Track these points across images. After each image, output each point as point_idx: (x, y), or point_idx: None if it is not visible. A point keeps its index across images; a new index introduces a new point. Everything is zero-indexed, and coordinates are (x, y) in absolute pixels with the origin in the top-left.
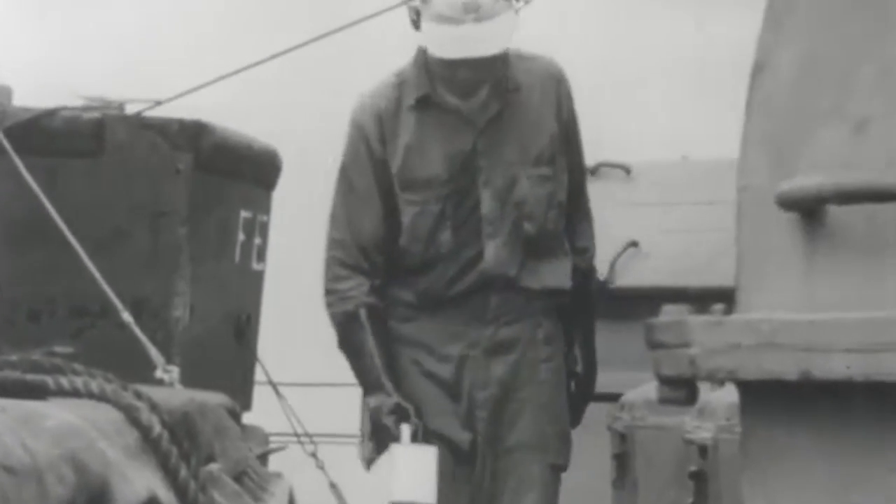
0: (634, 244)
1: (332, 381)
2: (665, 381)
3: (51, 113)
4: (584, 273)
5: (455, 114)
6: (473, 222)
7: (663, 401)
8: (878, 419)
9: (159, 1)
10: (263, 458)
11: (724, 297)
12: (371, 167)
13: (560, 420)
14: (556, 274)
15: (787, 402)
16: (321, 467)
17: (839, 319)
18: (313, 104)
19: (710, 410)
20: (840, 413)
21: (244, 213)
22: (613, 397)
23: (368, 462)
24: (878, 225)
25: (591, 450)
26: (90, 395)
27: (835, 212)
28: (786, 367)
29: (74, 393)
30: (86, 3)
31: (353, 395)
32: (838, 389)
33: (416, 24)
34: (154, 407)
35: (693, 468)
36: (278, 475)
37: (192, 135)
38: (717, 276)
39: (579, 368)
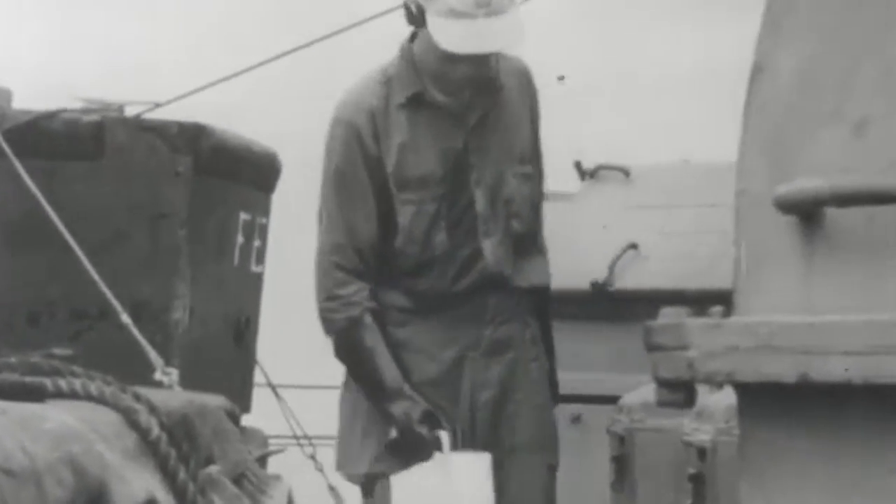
0: (634, 247)
1: (332, 383)
2: (663, 383)
3: (50, 115)
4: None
5: (445, 112)
6: (468, 221)
7: (662, 403)
8: (877, 422)
9: (159, 3)
10: (262, 461)
11: (724, 300)
12: (365, 166)
13: (552, 420)
14: (540, 272)
15: (786, 404)
16: (320, 469)
17: (837, 322)
18: (313, 106)
19: (708, 413)
20: (838, 416)
21: (243, 216)
22: (612, 399)
23: (369, 471)
24: (876, 227)
25: (589, 452)
26: (89, 398)
27: (833, 214)
28: (784, 369)
29: (73, 395)
30: (85, 5)
31: None
32: (836, 392)
33: (418, 19)
34: (153, 409)
35: (692, 470)
36: (277, 477)
37: (192, 137)
38: (717, 278)
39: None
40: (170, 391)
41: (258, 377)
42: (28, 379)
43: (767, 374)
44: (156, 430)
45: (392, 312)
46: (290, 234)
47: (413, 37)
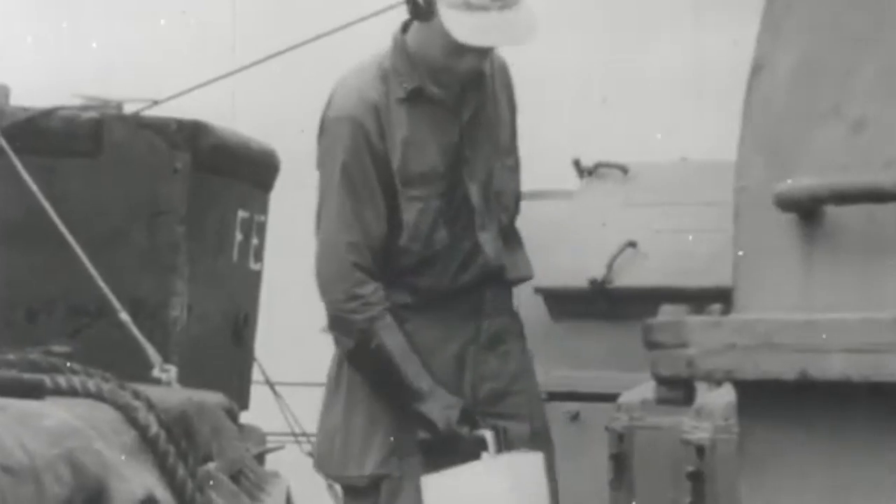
0: (632, 244)
1: None
2: (662, 381)
3: (48, 113)
4: None
5: (441, 106)
6: (465, 216)
7: (661, 401)
8: (876, 420)
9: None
10: (260, 458)
11: (723, 298)
12: (373, 163)
13: (544, 412)
14: (526, 264)
15: (785, 402)
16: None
17: (837, 320)
18: (312, 104)
19: (707, 411)
20: (837, 413)
21: (242, 213)
22: (611, 397)
23: (374, 472)
24: (875, 225)
25: (588, 450)
26: (87, 395)
27: (832, 212)
28: (783, 367)
29: (72, 392)
30: (84, 2)
31: None
32: (836, 390)
33: (425, 12)
34: (151, 406)
35: (690, 468)
36: (275, 474)
37: (190, 134)
38: (716, 276)
39: None
40: (168, 388)
41: (256, 374)
42: (27, 376)
43: (766, 372)
44: (154, 427)
45: (394, 310)
46: (287, 231)
47: (405, 28)
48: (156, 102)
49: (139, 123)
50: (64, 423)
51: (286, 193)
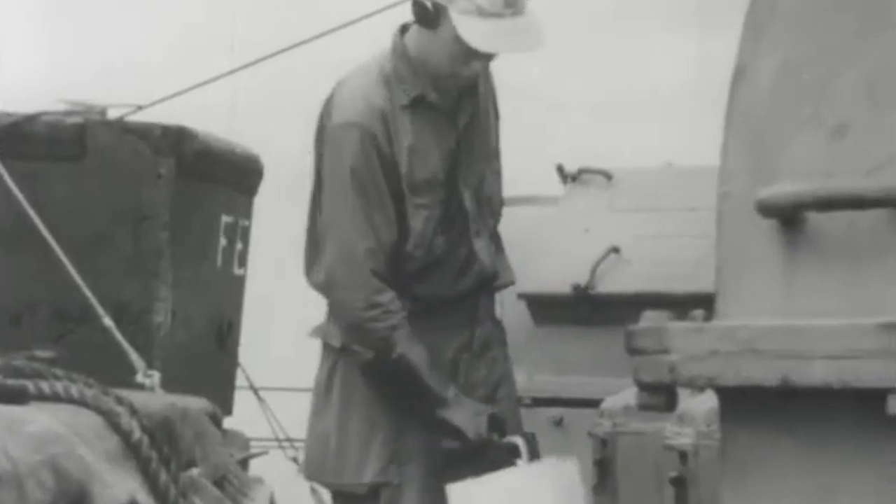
0: (616, 250)
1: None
2: (645, 387)
3: (32, 118)
4: None
5: (440, 113)
6: (459, 222)
7: (643, 407)
8: (858, 426)
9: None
10: (244, 463)
11: (705, 304)
12: (382, 170)
13: (520, 418)
14: (509, 269)
15: (767, 408)
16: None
17: (819, 326)
18: (299, 109)
19: (689, 417)
20: (819, 420)
21: (226, 218)
22: (594, 403)
23: (374, 480)
24: (857, 232)
25: (572, 455)
26: (70, 400)
27: (814, 218)
28: (765, 373)
29: (55, 398)
30: (76, 4)
31: None
32: (818, 396)
33: (433, 18)
34: (134, 412)
35: (673, 474)
36: (259, 480)
37: (175, 140)
38: (699, 282)
39: None
40: (151, 394)
41: (240, 380)
42: (10, 381)
43: (749, 378)
44: (137, 433)
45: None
46: (272, 236)
47: (403, 31)
48: (140, 107)
49: (123, 129)
50: (47, 428)
51: (272, 198)
